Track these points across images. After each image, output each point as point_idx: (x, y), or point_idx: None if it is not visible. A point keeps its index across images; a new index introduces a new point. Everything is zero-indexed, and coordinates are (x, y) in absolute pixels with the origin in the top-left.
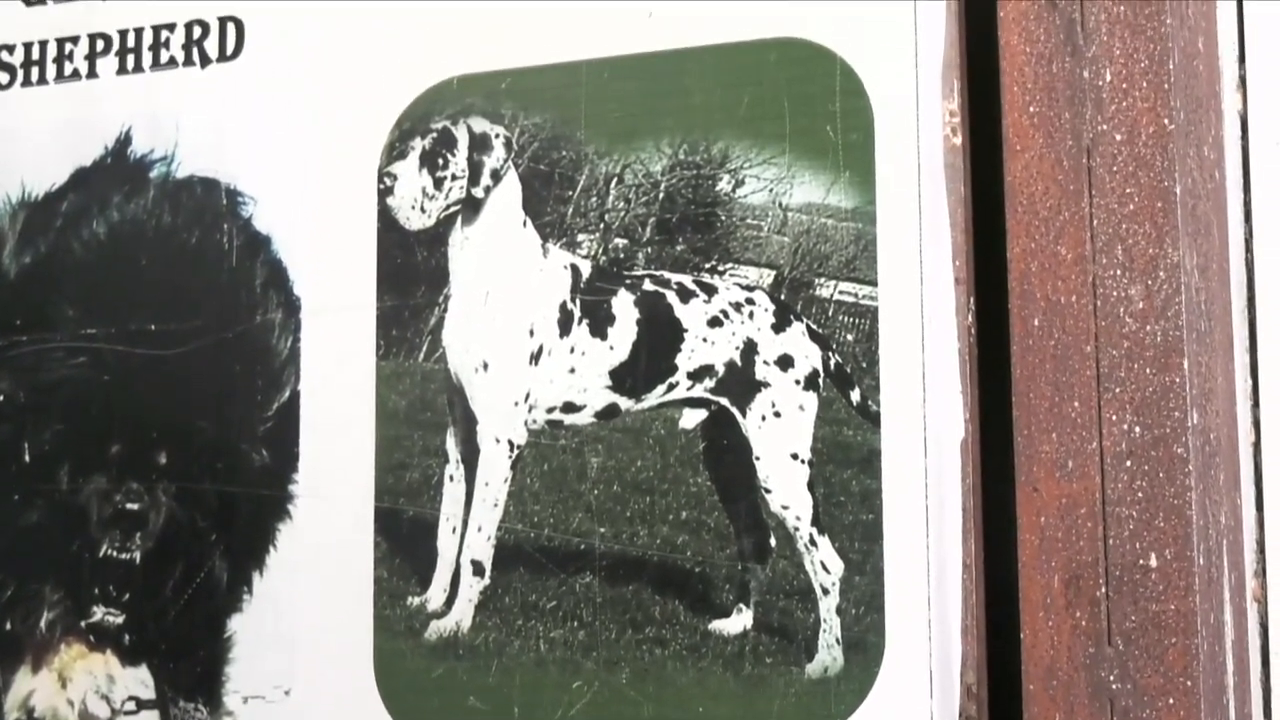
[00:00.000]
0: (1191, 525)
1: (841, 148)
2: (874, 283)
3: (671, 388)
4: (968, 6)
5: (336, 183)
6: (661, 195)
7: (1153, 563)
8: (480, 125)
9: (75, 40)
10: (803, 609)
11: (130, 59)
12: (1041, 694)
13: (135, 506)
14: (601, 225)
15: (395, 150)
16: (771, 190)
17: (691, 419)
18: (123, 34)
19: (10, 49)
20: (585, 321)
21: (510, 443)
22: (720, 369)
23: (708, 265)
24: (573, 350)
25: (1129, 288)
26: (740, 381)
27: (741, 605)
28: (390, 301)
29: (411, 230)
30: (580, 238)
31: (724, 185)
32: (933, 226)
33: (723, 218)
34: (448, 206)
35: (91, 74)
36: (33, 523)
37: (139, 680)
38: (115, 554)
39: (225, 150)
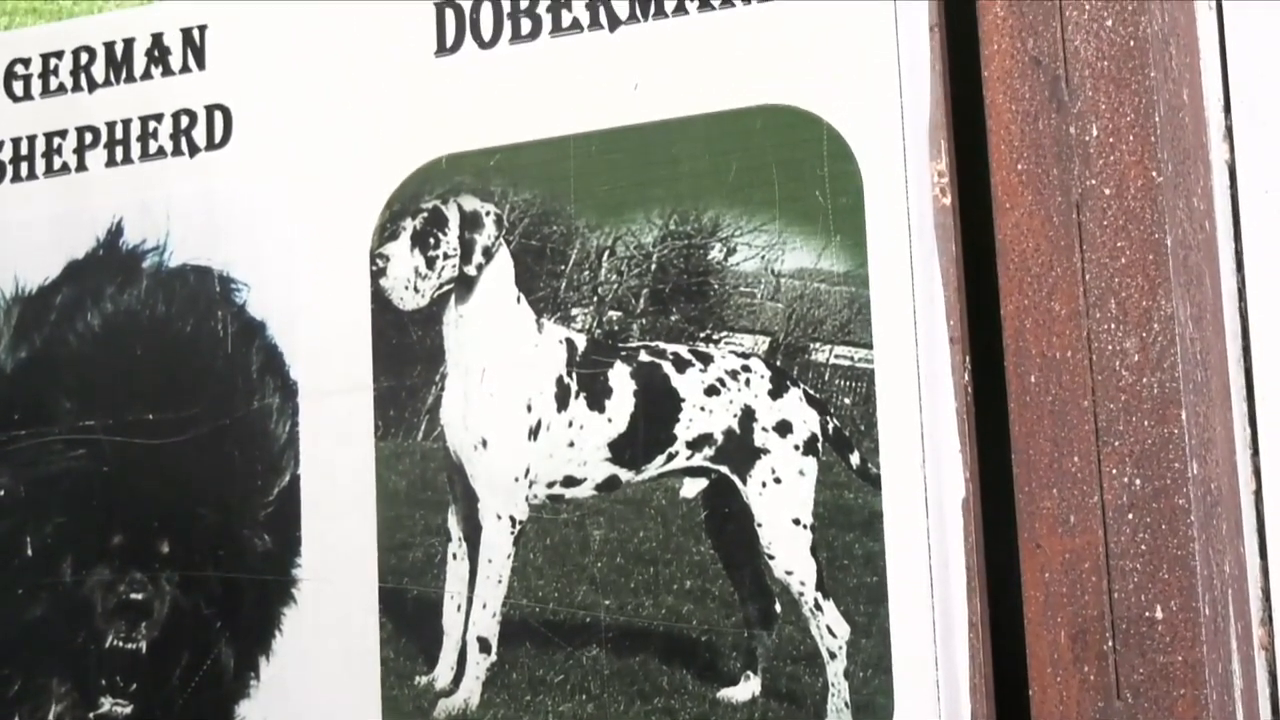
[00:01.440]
0: (1196, 576)
1: (831, 212)
2: (869, 345)
3: (671, 457)
4: (952, 66)
5: (329, 266)
6: (654, 266)
7: (1158, 614)
8: (470, 203)
9: (63, 134)
10: (810, 674)
11: (119, 150)
12: None
13: (139, 596)
14: (595, 298)
15: (386, 231)
16: (763, 257)
17: (692, 488)
18: (110, 126)
19: None
20: (583, 395)
21: (512, 518)
22: (719, 437)
23: (702, 334)
24: (571, 424)
25: (1124, 341)
26: (739, 449)
27: (749, 672)
28: (387, 382)
29: (405, 310)
30: (574, 311)
31: (716, 254)
32: (926, 287)
33: (716, 286)
34: (441, 285)
35: (81, 166)
36: (37, 616)
37: None
38: (121, 644)
39: (217, 238)
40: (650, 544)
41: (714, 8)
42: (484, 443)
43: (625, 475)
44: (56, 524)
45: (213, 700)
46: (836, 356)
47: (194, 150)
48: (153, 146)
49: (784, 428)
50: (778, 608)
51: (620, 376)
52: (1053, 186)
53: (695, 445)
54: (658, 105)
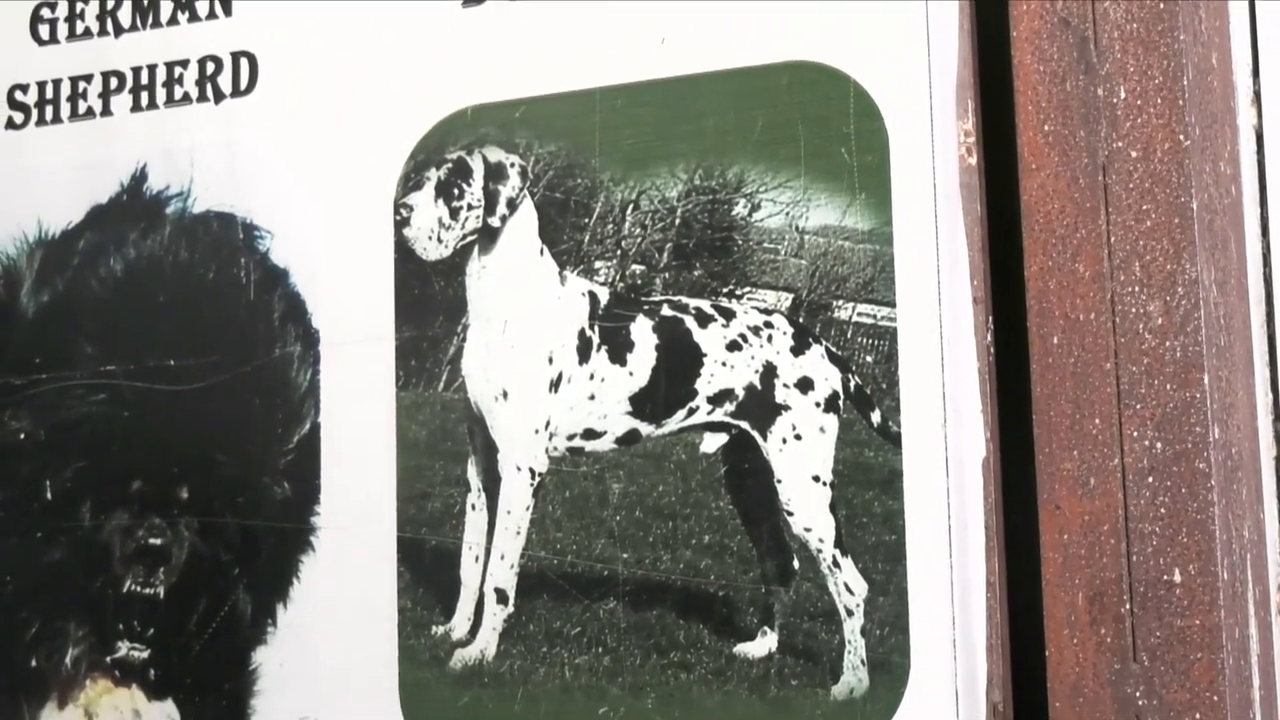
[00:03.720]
0: (1215, 540)
1: (857, 170)
2: (892, 304)
3: (692, 412)
4: (980, 26)
5: (352, 215)
6: (678, 221)
7: (1176, 578)
8: (495, 154)
9: (89, 78)
10: (827, 631)
11: (144, 96)
12: (1067, 711)
13: (158, 542)
14: (618, 252)
15: (411, 181)
16: (788, 214)
17: (712, 443)
18: (136, 71)
19: (24, 88)
20: (604, 348)
21: (531, 470)
22: (740, 393)
23: (725, 289)
24: (592, 377)
25: (1147, 304)
26: (760, 405)
27: (766, 628)
28: (409, 332)
29: (428, 261)
30: (597, 265)
31: (740, 209)
32: (950, 246)
33: (739, 242)
34: (464, 236)
35: (106, 111)
36: (56, 560)
37: (165, 714)
38: (139, 589)
39: (241, 185)
40: (669, 498)
41: None
42: (505, 394)
43: (645, 429)
44: (76, 468)
45: (229, 646)
46: (859, 314)
47: (219, 97)
48: (178, 92)
49: (805, 384)
50: (796, 564)
51: (642, 330)
52: (1079, 148)
53: (716, 400)
54: (684, 60)
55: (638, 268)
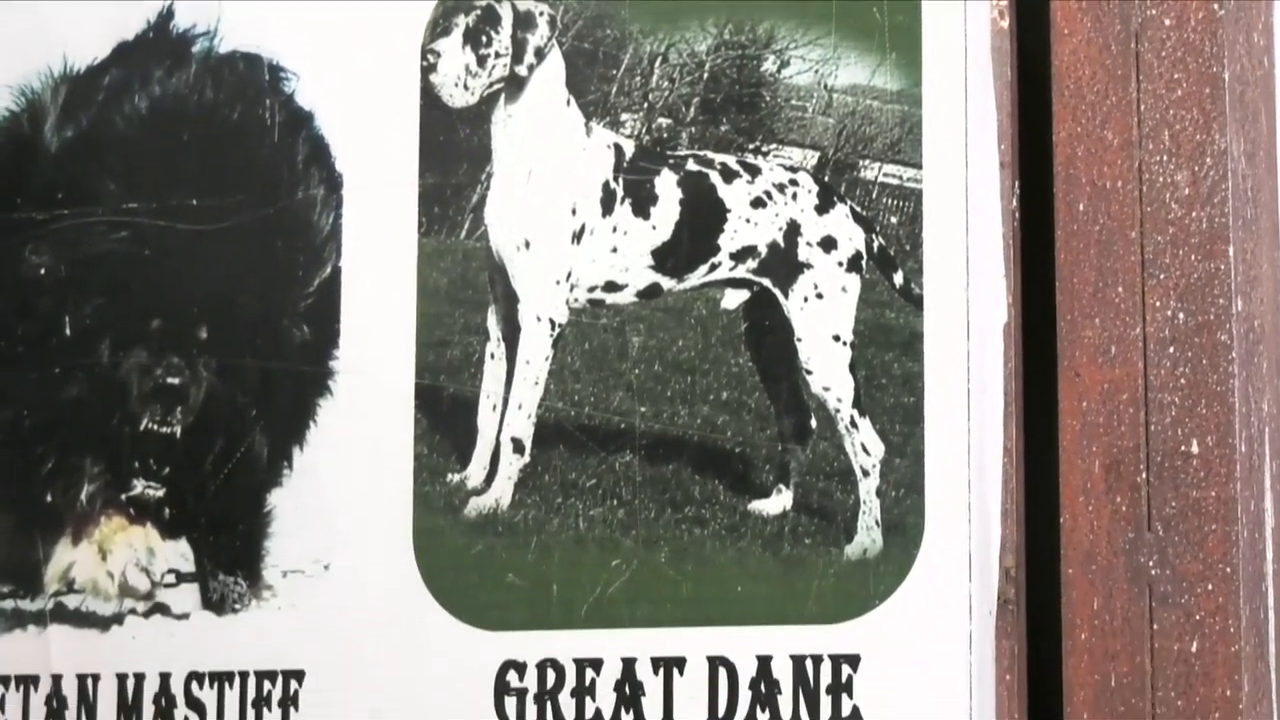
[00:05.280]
0: (1234, 412)
1: (888, 29)
2: (919, 165)
3: (714, 268)
4: None
5: (379, 59)
6: (706, 75)
7: (1194, 449)
8: (524, 3)
9: None
10: (842, 490)
11: None
12: (1080, 578)
13: (176, 381)
14: (645, 105)
15: (439, 27)
16: (817, 71)
17: (733, 299)
18: None
19: None
20: (628, 201)
21: (551, 321)
22: (763, 250)
23: (751, 146)
24: (615, 229)
25: (1175, 174)
26: (783, 262)
27: (781, 486)
28: (432, 179)
29: (454, 108)
30: (624, 117)
31: (769, 66)
32: (978, 110)
33: (767, 98)
34: (491, 84)
35: None
36: (73, 396)
37: (179, 553)
38: (155, 428)
39: (268, 26)
40: (689, 353)
41: None
42: (526, 244)
43: (667, 283)
44: (96, 305)
45: (245, 487)
46: (885, 175)
47: None
48: None
49: (829, 243)
50: (813, 423)
51: (667, 184)
52: (1112, 15)
53: (738, 257)
54: None
55: (664, 121)
